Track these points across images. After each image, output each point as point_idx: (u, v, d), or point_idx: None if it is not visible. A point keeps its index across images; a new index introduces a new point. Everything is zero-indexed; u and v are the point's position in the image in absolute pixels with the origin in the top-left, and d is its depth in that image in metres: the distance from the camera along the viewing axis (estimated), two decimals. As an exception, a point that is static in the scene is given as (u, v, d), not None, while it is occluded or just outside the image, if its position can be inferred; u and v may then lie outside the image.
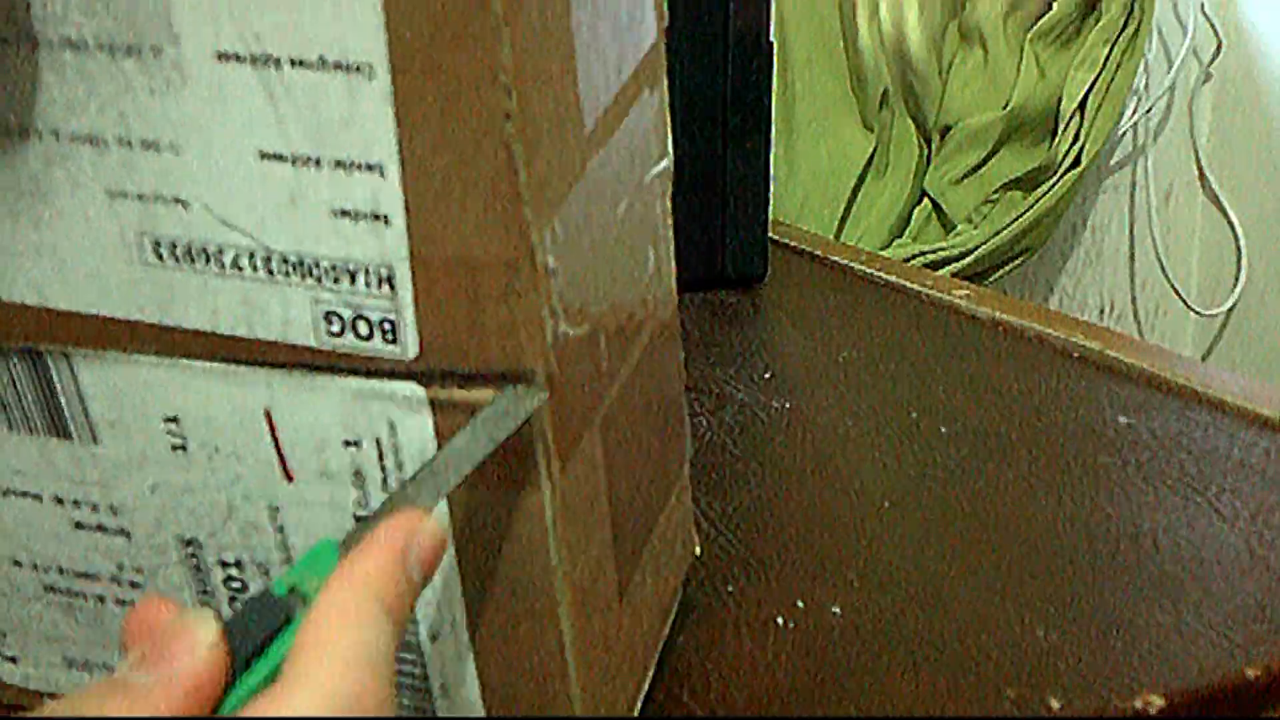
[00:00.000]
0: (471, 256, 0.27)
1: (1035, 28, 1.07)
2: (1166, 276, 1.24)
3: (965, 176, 1.08)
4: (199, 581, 0.33)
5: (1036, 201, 1.06)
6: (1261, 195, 1.21)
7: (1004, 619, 0.41)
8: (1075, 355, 0.60)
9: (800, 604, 0.42)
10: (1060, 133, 1.07)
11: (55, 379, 0.31)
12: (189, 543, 0.33)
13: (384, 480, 0.30)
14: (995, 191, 1.08)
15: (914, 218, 1.10)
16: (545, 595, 0.30)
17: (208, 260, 0.28)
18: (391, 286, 0.27)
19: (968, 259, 1.07)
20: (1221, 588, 0.42)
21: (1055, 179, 1.06)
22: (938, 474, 0.50)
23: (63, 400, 0.31)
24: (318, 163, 0.26)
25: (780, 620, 0.41)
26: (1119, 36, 1.06)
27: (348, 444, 0.30)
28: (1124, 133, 1.19)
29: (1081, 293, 1.26)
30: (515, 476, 0.29)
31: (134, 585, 0.34)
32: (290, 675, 0.22)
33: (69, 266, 0.29)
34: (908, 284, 0.68)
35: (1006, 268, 1.10)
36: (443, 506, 0.30)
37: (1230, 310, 1.26)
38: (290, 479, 0.31)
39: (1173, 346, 1.27)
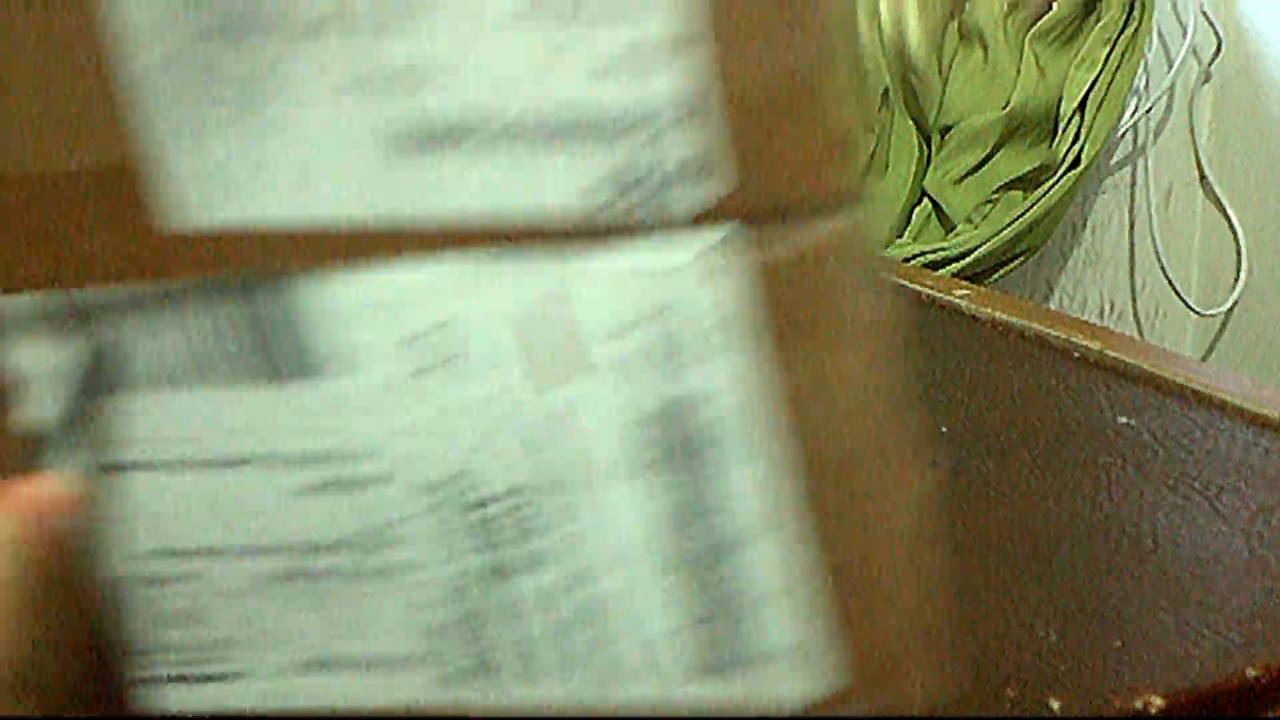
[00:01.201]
0: (792, 77, 0.25)
1: (1035, 28, 1.07)
2: (1166, 276, 1.24)
3: (965, 176, 1.08)
4: (462, 524, 0.30)
5: (1036, 201, 1.06)
6: (1261, 195, 1.21)
7: (1004, 619, 0.41)
8: (1075, 355, 0.60)
9: (800, 604, 0.42)
10: (1060, 133, 1.07)
11: (276, 311, 0.28)
12: (441, 485, 0.29)
13: (663, 358, 0.27)
14: (995, 191, 1.08)
15: (914, 218, 1.10)
16: (879, 468, 0.29)
17: (465, 141, 0.26)
18: (695, 126, 0.25)
19: (968, 259, 1.07)
20: (1221, 588, 0.42)
21: (1055, 179, 1.06)
22: (937, 474, 0.50)
23: (283, 335, 0.28)
24: (586, 7, 0.24)
25: (780, 620, 0.41)
26: (1119, 36, 1.06)
27: (622, 325, 0.27)
28: (1124, 133, 1.19)
29: (1081, 293, 1.26)
30: (837, 329, 0.27)
31: (379, 545, 0.30)
32: None
33: (301, 175, 0.26)
34: (908, 284, 0.68)
35: (1006, 268, 1.10)
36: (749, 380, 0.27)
37: (1230, 310, 1.26)
38: (573, 379, 0.28)
39: (1173, 346, 1.27)
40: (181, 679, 0.31)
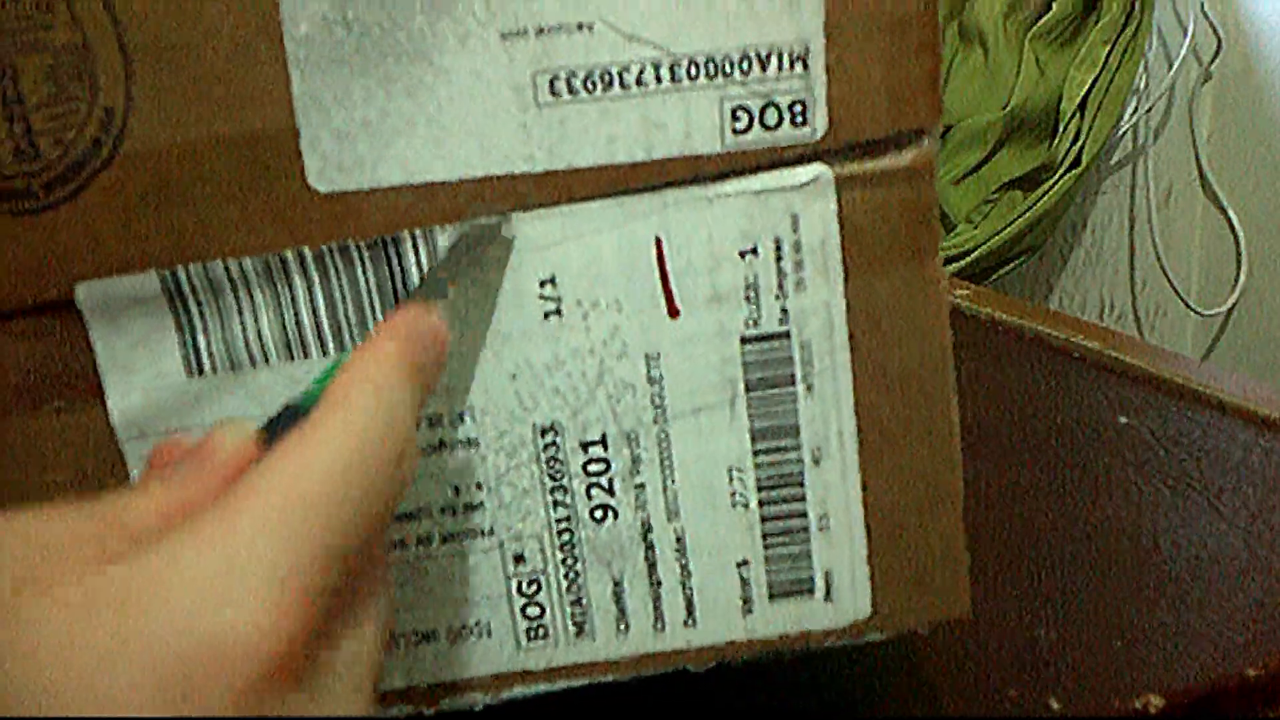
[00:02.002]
0: (889, 14, 0.27)
1: (1035, 28, 1.07)
2: (1166, 276, 1.24)
3: (965, 176, 1.08)
4: (553, 477, 0.31)
5: (1036, 201, 1.06)
6: (1261, 195, 1.21)
7: (1004, 619, 0.41)
8: (1075, 355, 0.60)
9: (800, 604, 0.42)
10: (1060, 133, 1.07)
11: (410, 269, 0.29)
12: (547, 431, 0.30)
13: (779, 286, 0.29)
14: (995, 191, 1.08)
15: (914, 218, 1.10)
16: (937, 390, 0.30)
17: (608, 84, 0.28)
18: (804, 64, 0.28)
19: (968, 259, 1.07)
20: (1221, 588, 0.42)
21: (1055, 179, 1.06)
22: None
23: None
24: None
25: (780, 620, 0.41)
26: (1119, 36, 1.06)
27: (743, 254, 0.29)
28: (1124, 133, 1.19)
29: (1081, 293, 1.26)
30: (911, 251, 0.29)
31: (469, 509, 0.31)
32: (310, 423, 0.21)
33: (445, 132, 0.28)
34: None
35: (1006, 268, 1.10)
36: (837, 305, 0.30)
37: (1230, 310, 1.26)
38: (675, 314, 0.30)
39: (1173, 346, 1.27)
40: None
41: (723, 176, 0.29)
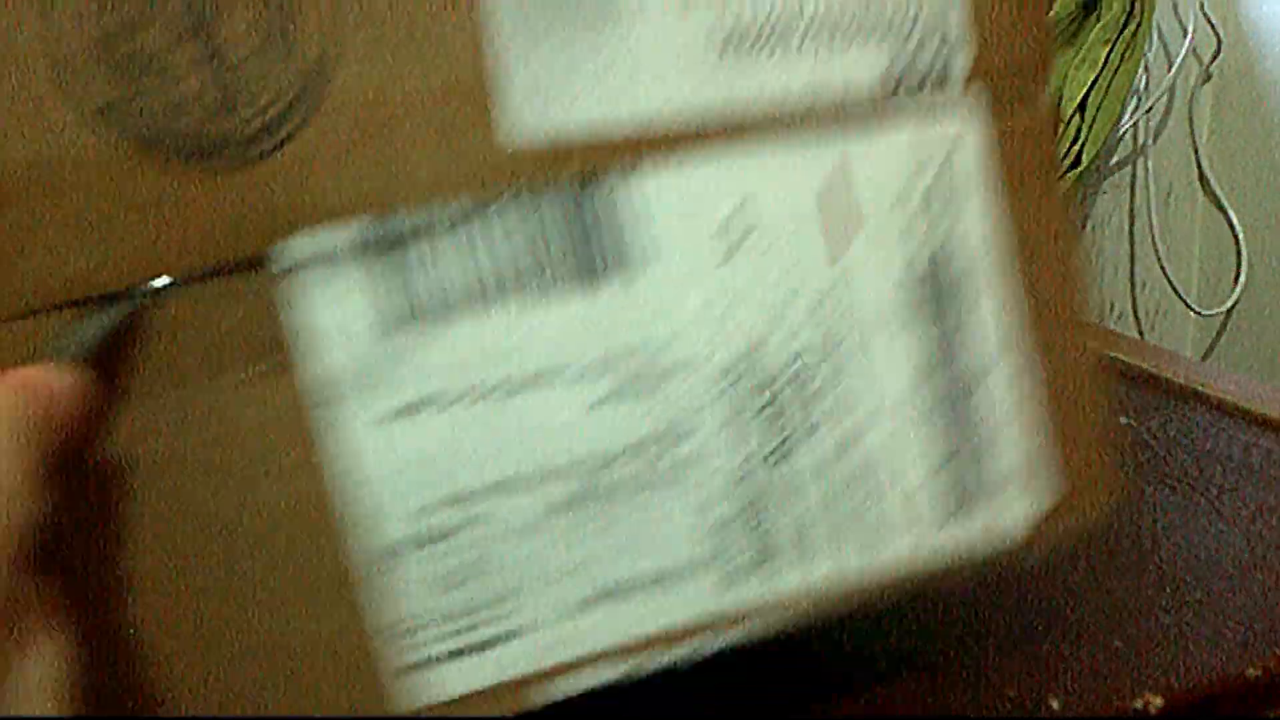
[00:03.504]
0: None
1: (1035, 28, 1.07)
2: (1166, 276, 1.23)
3: (965, 176, 1.08)
4: (740, 413, 0.31)
5: (1036, 202, 1.06)
6: (1261, 195, 1.21)
7: (1004, 619, 0.41)
8: (1075, 355, 0.60)
9: (800, 604, 0.42)
10: (1060, 133, 1.07)
11: (595, 212, 0.29)
12: (728, 372, 0.31)
13: (938, 212, 0.32)
14: (995, 191, 1.08)
15: (914, 218, 1.10)
16: (1078, 295, 0.34)
17: (778, 41, 0.30)
18: (942, 24, 0.31)
19: (968, 259, 1.07)
20: (1221, 588, 0.42)
21: (1055, 179, 1.06)
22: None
23: (602, 234, 0.30)
24: None
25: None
26: (1119, 36, 1.06)
27: (906, 185, 0.32)
28: (1124, 133, 1.19)
29: (1081, 293, 1.26)
30: (1047, 173, 0.33)
31: (659, 455, 0.31)
32: None
33: (631, 81, 0.29)
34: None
35: (1006, 268, 1.10)
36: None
37: (1230, 310, 1.26)
38: (847, 245, 0.32)
39: (1173, 346, 1.27)
40: (459, 652, 0.30)
41: (890, 117, 0.31)
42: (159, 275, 0.27)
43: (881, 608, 0.33)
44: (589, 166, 0.29)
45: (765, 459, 0.32)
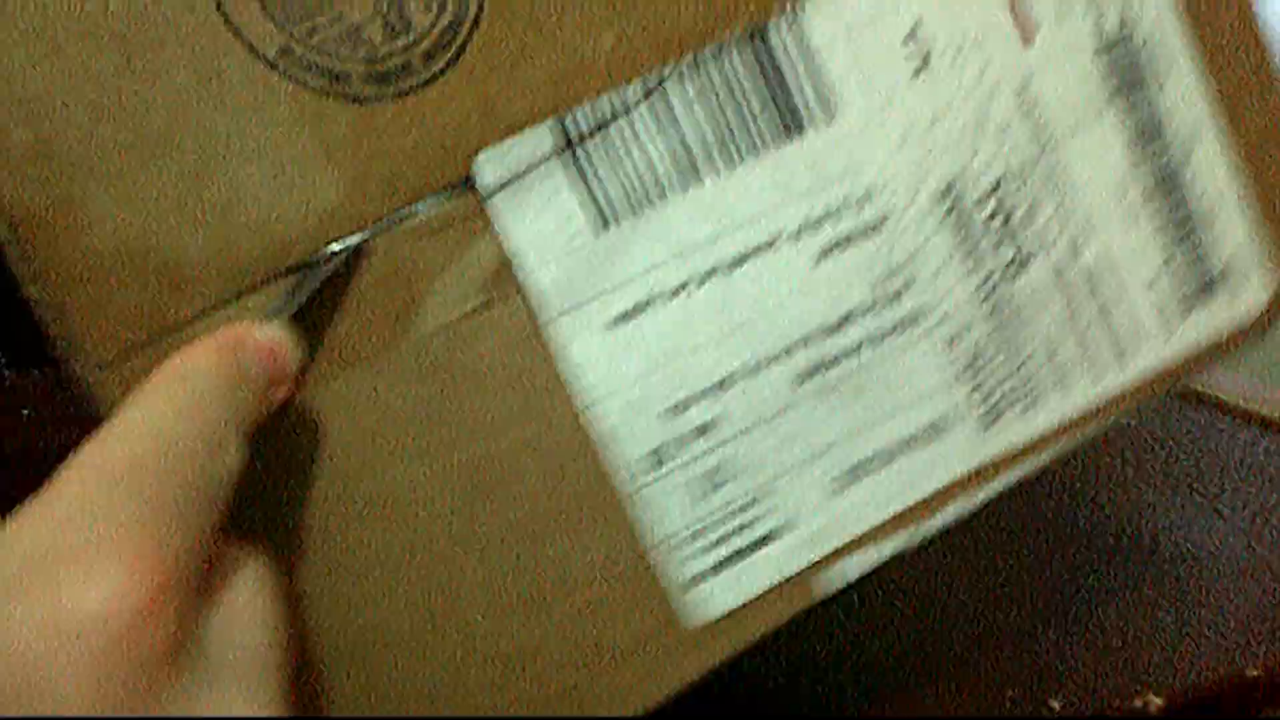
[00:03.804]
0: None
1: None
2: (1166, 276, 1.23)
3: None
4: (963, 240, 0.30)
5: (1036, 201, 1.06)
6: (1261, 195, 1.21)
7: (1004, 619, 0.41)
8: (1075, 355, 0.60)
9: (800, 604, 0.42)
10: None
11: (781, 57, 0.29)
12: (945, 192, 0.30)
13: None
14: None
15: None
16: (1263, 62, 0.32)
17: None
18: None
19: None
20: (1221, 588, 0.42)
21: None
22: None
23: (796, 78, 0.29)
24: None
25: (780, 620, 0.41)
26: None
27: None
28: (1124, 133, 1.19)
29: (1081, 293, 1.26)
30: None
31: (891, 300, 0.30)
32: (109, 419, 0.21)
33: None
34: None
35: (1006, 268, 1.10)
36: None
37: (1230, 310, 1.25)
38: (1029, 40, 0.30)
39: (1173, 346, 1.27)
40: (729, 560, 0.30)
41: None
42: (365, 218, 0.26)
43: (1128, 421, 0.32)
44: (763, 13, 0.28)
45: (1004, 273, 0.31)
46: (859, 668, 0.39)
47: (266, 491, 0.26)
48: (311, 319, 0.26)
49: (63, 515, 0.18)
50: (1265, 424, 0.53)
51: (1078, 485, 0.49)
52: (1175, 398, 0.56)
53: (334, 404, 0.27)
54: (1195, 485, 0.48)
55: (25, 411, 0.54)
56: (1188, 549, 0.44)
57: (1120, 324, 0.32)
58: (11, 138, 0.24)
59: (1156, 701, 0.37)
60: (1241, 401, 0.54)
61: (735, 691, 0.38)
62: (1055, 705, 0.37)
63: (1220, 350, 0.33)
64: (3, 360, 0.57)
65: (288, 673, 0.21)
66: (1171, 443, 0.52)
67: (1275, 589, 0.42)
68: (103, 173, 0.25)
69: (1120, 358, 0.32)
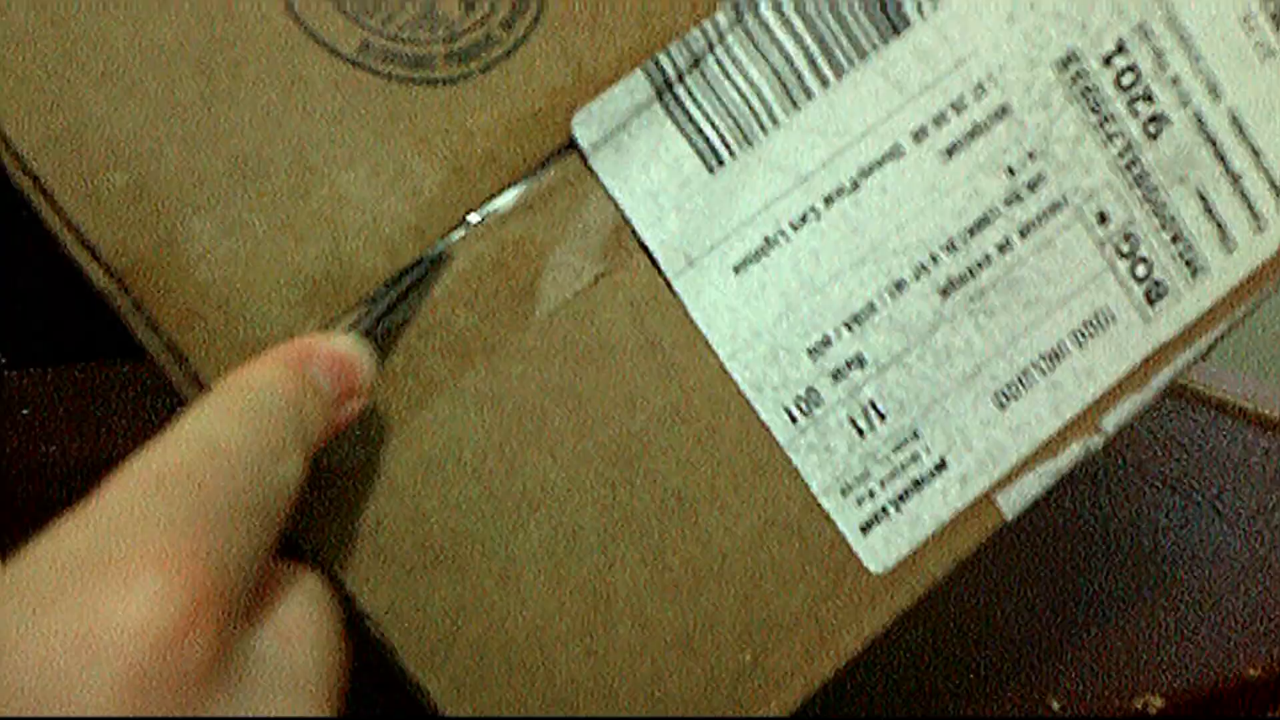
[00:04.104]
0: None
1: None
2: (1166, 276, 1.23)
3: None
4: (1095, 110, 0.29)
5: (1036, 201, 1.06)
6: (1261, 195, 1.21)
7: (1004, 619, 0.41)
8: (1075, 355, 0.60)
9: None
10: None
11: None
12: (1067, 62, 0.28)
13: None
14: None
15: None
16: None
17: None
18: None
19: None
20: (1221, 588, 0.42)
21: (1055, 179, 1.06)
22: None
23: None
24: None
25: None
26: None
27: None
28: (1124, 133, 1.19)
29: (1081, 293, 1.26)
30: None
31: (1032, 187, 0.28)
32: (172, 422, 0.20)
33: None
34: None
35: (1006, 268, 1.10)
36: None
37: (1230, 310, 1.25)
38: None
39: (1173, 346, 1.27)
40: (905, 495, 0.28)
41: None
42: (471, 202, 0.25)
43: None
44: None
45: (1140, 151, 0.29)
46: (859, 668, 0.39)
47: (409, 502, 0.25)
48: (391, 333, 0.26)
49: (103, 522, 0.17)
50: (1265, 424, 0.53)
51: (1078, 485, 0.49)
52: (1175, 398, 0.56)
53: (467, 403, 0.26)
54: (1195, 485, 0.48)
55: (25, 411, 0.54)
56: (1188, 549, 0.44)
57: (1274, 169, 0.30)
58: (106, 184, 0.24)
59: (1156, 702, 0.37)
60: (1241, 401, 0.54)
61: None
62: (1055, 705, 0.37)
63: None
64: (3, 360, 0.57)
65: (339, 694, 0.21)
66: (1171, 443, 0.52)
67: (1275, 589, 0.42)
68: (202, 204, 0.24)
69: (1279, 198, 0.30)
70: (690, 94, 0.26)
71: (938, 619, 0.41)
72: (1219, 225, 0.30)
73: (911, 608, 0.28)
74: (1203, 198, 0.30)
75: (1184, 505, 0.47)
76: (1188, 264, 0.30)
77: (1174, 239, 0.30)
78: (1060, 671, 0.38)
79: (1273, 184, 0.30)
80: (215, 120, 0.24)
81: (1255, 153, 0.30)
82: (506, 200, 0.26)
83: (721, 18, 0.26)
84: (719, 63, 0.26)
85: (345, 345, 0.24)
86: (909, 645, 0.40)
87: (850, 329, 0.28)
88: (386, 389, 0.25)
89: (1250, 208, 0.30)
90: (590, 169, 0.26)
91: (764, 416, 0.27)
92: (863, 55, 0.27)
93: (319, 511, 0.25)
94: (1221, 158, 0.30)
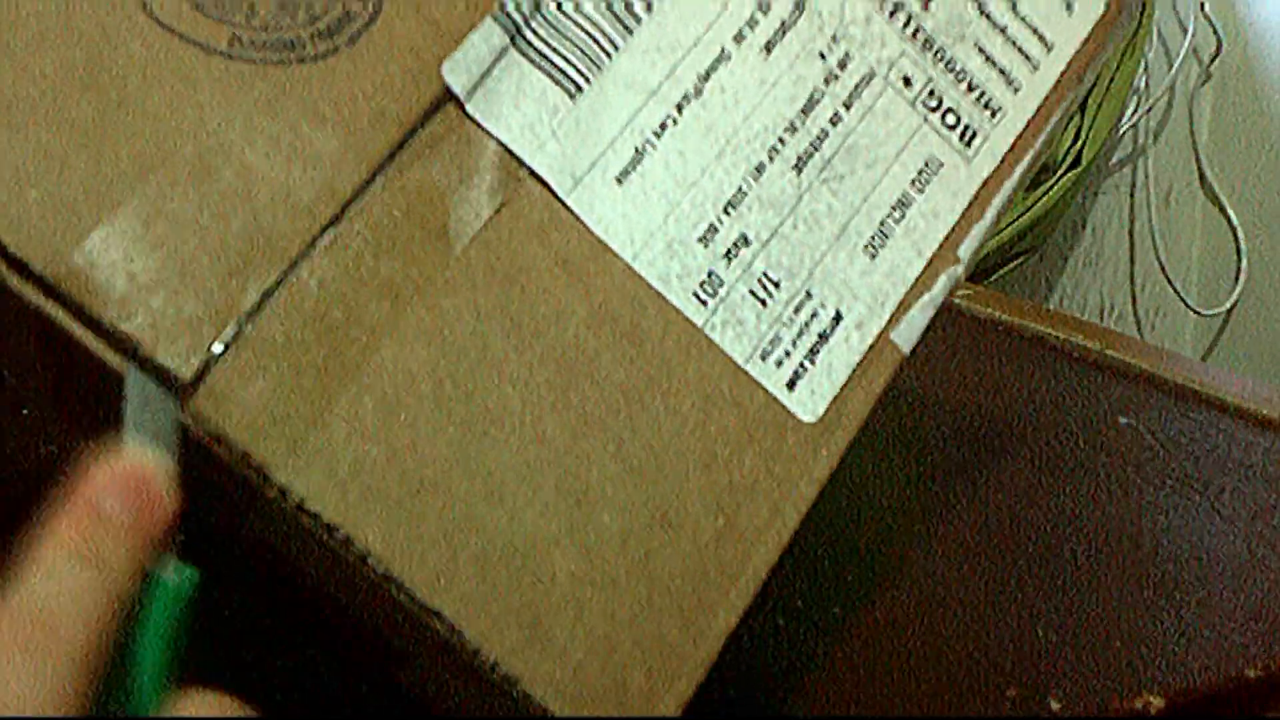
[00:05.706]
0: None
1: (1035, 27, 1.07)
2: (1166, 276, 1.23)
3: (965, 176, 1.08)
4: None
5: (1036, 201, 1.06)
6: (1261, 195, 1.21)
7: (1004, 619, 0.41)
8: (1075, 355, 0.60)
9: (800, 603, 0.42)
10: (1060, 132, 1.06)
11: None
12: None
13: None
14: (995, 191, 1.08)
15: (914, 217, 1.10)
16: None
17: None
18: None
19: (968, 259, 1.07)
20: (1221, 588, 0.42)
21: (1055, 179, 1.06)
22: (937, 474, 0.50)
23: None
24: None
25: (780, 621, 0.41)
26: (1119, 36, 1.06)
27: None
28: (1124, 133, 1.19)
29: (1081, 293, 1.26)
30: None
31: (844, 63, 0.33)
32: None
33: None
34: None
35: (1006, 268, 1.10)
36: None
37: (1230, 310, 1.26)
38: None
39: (1173, 346, 1.27)
40: (809, 359, 0.32)
41: None
42: (371, 157, 0.28)
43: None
44: None
45: (918, 19, 0.33)
46: (858, 668, 0.39)
47: (382, 441, 0.27)
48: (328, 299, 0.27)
49: None
50: (1265, 424, 0.53)
51: (1078, 485, 0.49)
52: (1175, 398, 0.56)
53: (411, 341, 0.28)
54: (1195, 485, 0.48)
55: (25, 411, 0.54)
56: (1188, 549, 0.44)
57: (1028, 13, 0.34)
58: (19, 202, 0.25)
59: (1156, 702, 0.37)
60: (1241, 401, 0.54)
61: (735, 691, 0.38)
62: (1055, 705, 0.37)
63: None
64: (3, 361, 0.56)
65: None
66: (1171, 443, 0.52)
67: (1275, 589, 0.42)
68: (118, 200, 0.25)
69: (1044, 45, 0.34)
70: (537, 34, 0.29)
71: (938, 620, 0.41)
72: (1001, 71, 0.34)
73: (851, 447, 0.31)
74: (981, 50, 0.34)
75: (1184, 505, 0.47)
76: (986, 107, 0.34)
77: (969, 88, 0.34)
78: (1060, 671, 0.38)
79: (1033, 29, 0.34)
80: (113, 129, 0.26)
81: (1012, 5, 0.34)
82: (403, 154, 0.28)
83: None
84: (556, 3, 0.29)
85: (132, 460, 0.25)
86: (909, 646, 0.40)
87: (728, 213, 0.31)
88: (335, 341, 0.27)
89: (1021, 51, 0.34)
90: (468, 115, 0.29)
91: (677, 305, 0.30)
92: None
93: (301, 468, 0.26)
94: (987, 14, 0.34)
